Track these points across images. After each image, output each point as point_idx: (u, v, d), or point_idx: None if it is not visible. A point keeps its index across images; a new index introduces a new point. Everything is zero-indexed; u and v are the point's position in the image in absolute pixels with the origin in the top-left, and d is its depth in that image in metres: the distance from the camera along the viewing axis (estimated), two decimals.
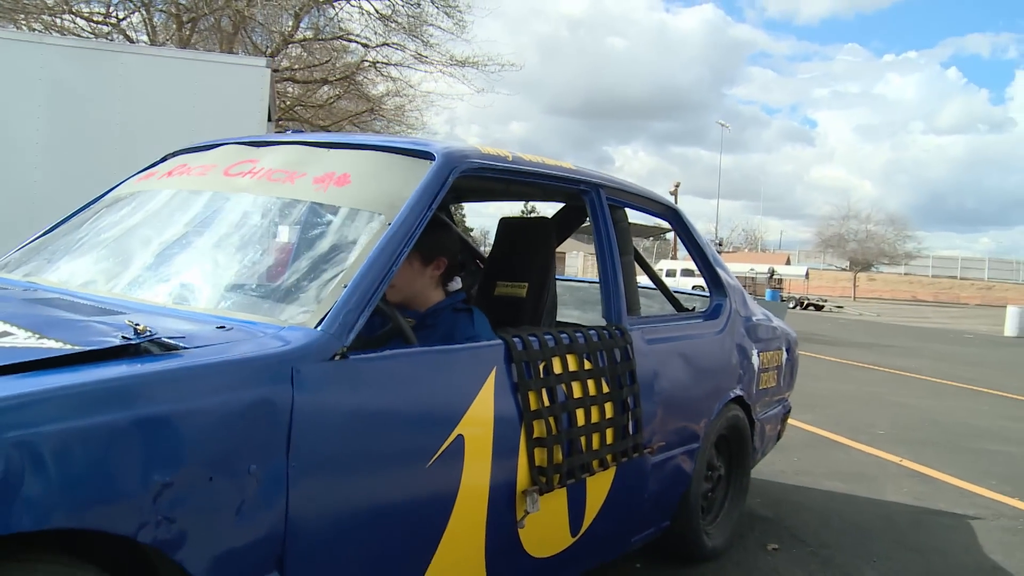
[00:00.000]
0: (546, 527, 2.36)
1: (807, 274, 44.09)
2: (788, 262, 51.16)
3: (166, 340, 1.52)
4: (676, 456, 2.98)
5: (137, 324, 1.51)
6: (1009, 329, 12.54)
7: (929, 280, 55.16)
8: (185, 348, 1.53)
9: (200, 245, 2.19)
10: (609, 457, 2.52)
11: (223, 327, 1.71)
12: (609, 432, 2.51)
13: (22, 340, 1.46)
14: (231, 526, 1.52)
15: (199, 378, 1.49)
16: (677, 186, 42.18)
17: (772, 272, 36.79)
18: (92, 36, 15.34)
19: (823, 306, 17.46)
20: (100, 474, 1.33)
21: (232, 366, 1.55)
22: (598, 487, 2.54)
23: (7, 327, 1.54)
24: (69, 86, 6.81)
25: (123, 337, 1.48)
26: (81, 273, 2.25)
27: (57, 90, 6.77)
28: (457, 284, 2.59)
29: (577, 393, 2.39)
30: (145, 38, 16.38)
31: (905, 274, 55.53)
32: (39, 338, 1.48)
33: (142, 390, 1.40)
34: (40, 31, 13.80)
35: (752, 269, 39.25)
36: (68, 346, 1.43)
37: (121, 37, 16.10)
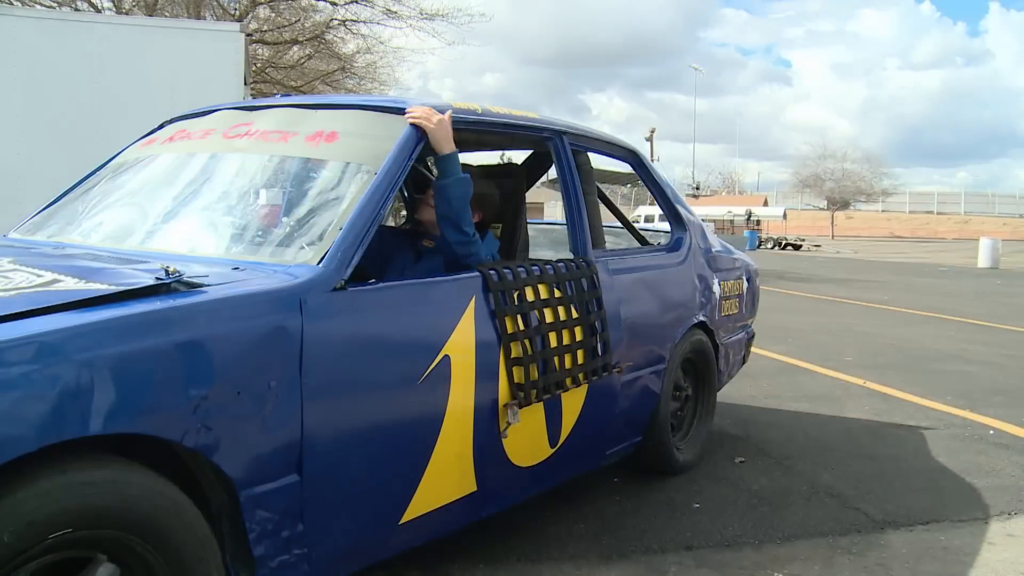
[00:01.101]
0: (527, 438, 2.66)
1: (784, 214, 44.54)
2: (766, 203, 51.55)
3: (192, 280, 1.79)
4: (644, 376, 3.29)
5: (168, 266, 1.77)
6: (982, 261, 12.94)
7: (907, 216, 55.77)
8: (208, 285, 1.80)
9: (208, 200, 2.45)
10: (581, 375, 2.82)
11: (238, 268, 1.99)
12: (580, 353, 2.80)
13: (72, 284, 1.72)
14: (257, 433, 1.80)
15: (224, 308, 1.77)
16: (652, 132, 41.43)
17: (750, 214, 37.17)
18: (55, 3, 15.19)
19: (801, 245, 17.89)
20: (150, 389, 1.60)
21: (250, 297, 1.83)
22: (572, 403, 2.84)
23: (55, 275, 1.80)
24: (45, 59, 6.91)
25: (156, 278, 1.75)
26: (100, 232, 2.50)
27: (33, 63, 6.86)
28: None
29: (549, 318, 2.68)
30: (110, 4, 16.22)
31: (883, 211, 56.06)
32: (86, 283, 1.74)
33: (179, 319, 1.67)
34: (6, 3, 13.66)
35: (730, 212, 39.61)
36: (112, 287, 1.69)
37: (86, 4, 15.94)
